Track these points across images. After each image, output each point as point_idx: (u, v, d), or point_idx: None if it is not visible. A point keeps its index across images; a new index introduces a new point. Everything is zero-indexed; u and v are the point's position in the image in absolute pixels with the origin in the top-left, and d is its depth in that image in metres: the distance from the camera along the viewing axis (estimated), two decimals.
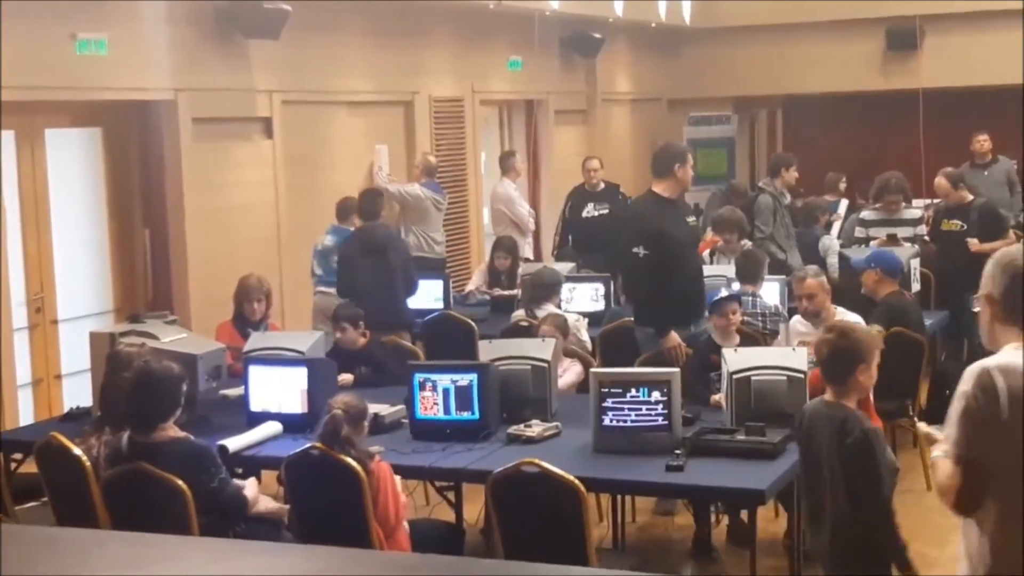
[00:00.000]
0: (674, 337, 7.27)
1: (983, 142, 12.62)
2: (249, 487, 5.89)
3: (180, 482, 5.27)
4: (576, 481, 5.17)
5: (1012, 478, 3.50)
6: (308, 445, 5.63)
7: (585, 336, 8.29)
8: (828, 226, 11.49)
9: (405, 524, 5.69)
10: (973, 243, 9.57)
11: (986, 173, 12.59)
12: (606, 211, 11.69)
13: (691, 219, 7.84)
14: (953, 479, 3.58)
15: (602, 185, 11.93)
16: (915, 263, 9.05)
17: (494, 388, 6.26)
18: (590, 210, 11.77)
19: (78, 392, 7.91)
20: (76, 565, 2.83)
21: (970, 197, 10.02)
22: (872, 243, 9.99)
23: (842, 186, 13.30)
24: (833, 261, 9.92)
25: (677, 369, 6.13)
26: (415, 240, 11.07)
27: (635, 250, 7.42)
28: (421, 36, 11.77)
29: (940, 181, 9.85)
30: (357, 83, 11.06)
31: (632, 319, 7.93)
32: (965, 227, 9.65)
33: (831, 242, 10.52)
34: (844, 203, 12.94)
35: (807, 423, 4.92)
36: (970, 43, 14.56)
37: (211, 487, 5.38)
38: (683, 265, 7.44)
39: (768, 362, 6.05)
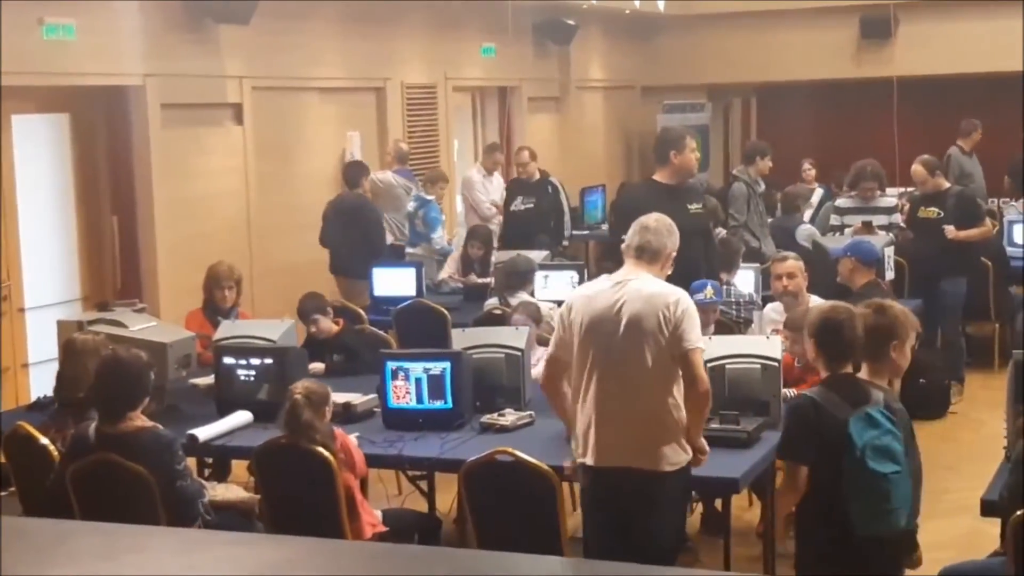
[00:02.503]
0: None
1: (979, 134, 12.91)
2: (225, 490, 5.85)
3: (147, 472, 5.20)
4: (550, 470, 5.15)
5: (576, 369, 5.08)
6: (278, 435, 5.58)
7: None
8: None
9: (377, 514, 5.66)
10: (950, 230, 9.56)
11: (972, 160, 12.79)
12: (532, 205, 11.44)
13: (695, 205, 7.49)
14: (546, 368, 5.27)
15: (537, 176, 11.64)
16: (889, 251, 9.05)
17: (467, 377, 6.22)
18: (518, 203, 11.50)
19: (46, 381, 7.81)
20: (44, 556, 2.78)
21: (947, 184, 10.02)
22: (847, 230, 9.98)
23: (803, 173, 13.24)
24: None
25: None
26: (388, 227, 11.05)
27: (624, 237, 7.37)
28: (393, 22, 11.69)
29: (917, 168, 9.81)
30: (329, 69, 10.98)
31: None
32: (942, 214, 9.64)
33: (810, 230, 10.54)
34: (818, 192, 12.97)
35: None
36: (944, 32, 14.60)
37: (179, 480, 5.31)
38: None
39: (742, 350, 6.02)
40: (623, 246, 5.32)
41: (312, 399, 5.42)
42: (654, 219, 5.30)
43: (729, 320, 7.70)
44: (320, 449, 5.36)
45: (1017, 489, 4.63)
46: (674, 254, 5.26)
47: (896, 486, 4.65)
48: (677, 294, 5.04)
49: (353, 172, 10.57)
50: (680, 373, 4.97)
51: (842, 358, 4.86)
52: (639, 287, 5.05)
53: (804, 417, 4.78)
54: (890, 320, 4.96)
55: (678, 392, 4.99)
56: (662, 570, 2.63)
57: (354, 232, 10.23)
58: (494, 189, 12.45)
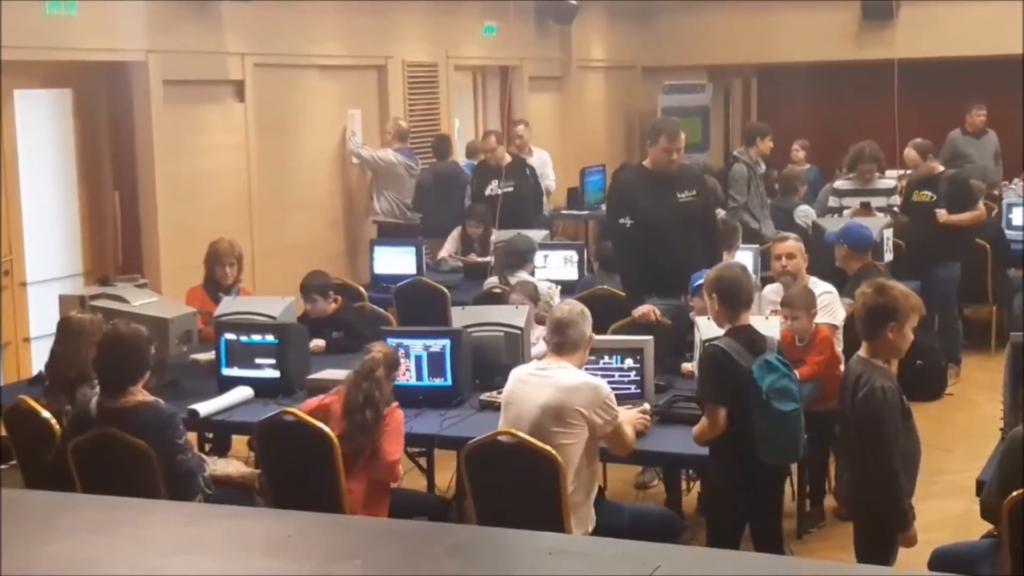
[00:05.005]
0: (642, 308, 7.25)
1: (980, 115, 12.95)
2: (225, 464, 5.88)
3: (148, 446, 5.23)
4: (552, 450, 5.14)
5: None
6: (280, 410, 5.61)
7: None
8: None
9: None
10: (942, 214, 9.57)
11: (978, 141, 12.79)
12: (511, 189, 11.03)
13: (685, 193, 7.45)
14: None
15: (507, 159, 11.28)
16: (888, 233, 9.04)
17: (467, 354, 6.25)
18: (493, 187, 11.09)
19: (47, 355, 7.82)
20: (45, 528, 2.80)
21: (940, 168, 10.01)
22: (846, 212, 9.99)
23: (792, 154, 13.21)
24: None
25: (650, 337, 6.12)
26: (388, 206, 11.05)
27: (622, 221, 7.39)
28: (395, 0, 11.67)
29: (909, 152, 9.81)
30: (330, 47, 10.97)
31: (603, 287, 7.88)
32: (935, 198, 9.65)
33: (808, 211, 10.55)
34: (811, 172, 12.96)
35: (843, 375, 5.23)
36: (945, 14, 14.56)
37: (179, 454, 5.34)
38: (659, 237, 7.33)
39: None
40: (544, 339, 5.60)
41: (388, 360, 5.58)
42: (566, 310, 5.42)
43: None
44: (320, 424, 5.39)
45: (1009, 475, 4.64)
46: (592, 336, 5.45)
47: (796, 421, 5.13)
48: (595, 382, 5.28)
49: (441, 145, 11.51)
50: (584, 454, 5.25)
51: (738, 311, 5.37)
52: (558, 377, 5.26)
53: (718, 363, 5.23)
54: (890, 301, 4.97)
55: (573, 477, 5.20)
56: (649, 546, 2.67)
57: (451, 197, 11.02)
58: None
